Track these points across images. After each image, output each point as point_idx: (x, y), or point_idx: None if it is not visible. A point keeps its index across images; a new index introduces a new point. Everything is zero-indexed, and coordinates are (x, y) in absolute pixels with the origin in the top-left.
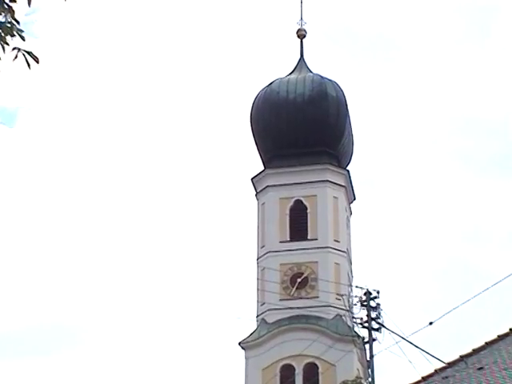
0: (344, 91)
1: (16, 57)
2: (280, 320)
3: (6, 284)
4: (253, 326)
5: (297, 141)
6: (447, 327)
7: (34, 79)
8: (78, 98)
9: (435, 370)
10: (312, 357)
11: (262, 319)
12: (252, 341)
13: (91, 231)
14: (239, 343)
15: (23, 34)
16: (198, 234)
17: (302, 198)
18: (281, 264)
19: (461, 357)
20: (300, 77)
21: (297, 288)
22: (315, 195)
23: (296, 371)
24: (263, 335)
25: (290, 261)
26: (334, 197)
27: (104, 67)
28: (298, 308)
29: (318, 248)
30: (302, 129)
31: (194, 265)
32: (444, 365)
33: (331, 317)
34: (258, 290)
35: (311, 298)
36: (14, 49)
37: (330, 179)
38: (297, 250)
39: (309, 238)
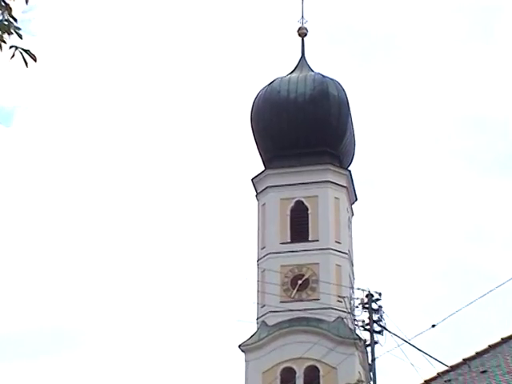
0: (346, 90)
1: (13, 55)
2: (280, 322)
3: (6, 286)
4: (253, 328)
5: (298, 141)
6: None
7: (31, 78)
8: (75, 96)
9: (438, 374)
10: (313, 360)
11: (263, 321)
12: (252, 343)
13: (90, 233)
14: (239, 346)
15: (20, 32)
16: (198, 235)
17: (302, 199)
18: (281, 265)
19: (464, 360)
20: (301, 76)
21: (297, 290)
22: (316, 196)
23: (297, 374)
24: (263, 338)
25: (290, 262)
26: (336, 197)
27: (102, 66)
28: (298, 310)
29: (319, 249)
30: (303, 128)
31: (194, 266)
32: (447, 368)
33: (332, 319)
34: (258, 291)
35: (312, 300)
36: (11, 47)
37: (331, 180)
38: (298, 251)
39: (310, 239)
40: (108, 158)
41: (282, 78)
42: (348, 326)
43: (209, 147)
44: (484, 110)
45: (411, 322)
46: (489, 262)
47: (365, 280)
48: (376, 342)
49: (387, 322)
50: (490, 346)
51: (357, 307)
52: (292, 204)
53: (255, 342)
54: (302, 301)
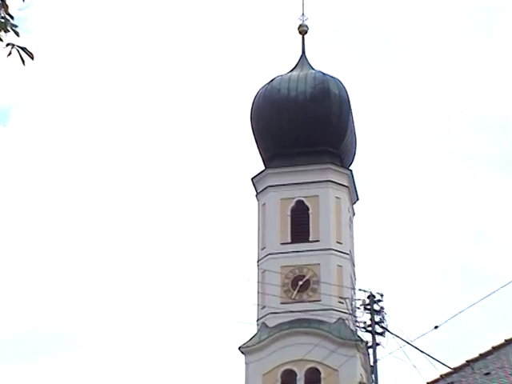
0: (347, 88)
1: (10, 53)
2: (281, 324)
3: (4, 288)
4: (253, 330)
5: (298, 140)
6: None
7: (28, 76)
8: (73, 95)
9: (441, 376)
10: (314, 362)
11: (263, 323)
12: (252, 345)
13: (89, 233)
14: (239, 348)
15: (17, 30)
16: (197, 235)
17: (303, 199)
18: (282, 266)
19: (467, 362)
20: (301, 74)
21: (298, 291)
22: (317, 196)
23: (297, 376)
24: (264, 339)
25: (291, 263)
26: (337, 197)
27: (100, 64)
28: (299, 312)
29: (320, 250)
30: (303, 127)
31: (193, 267)
32: (450, 370)
33: (333, 321)
34: (258, 293)
35: (313, 301)
36: (7, 45)
37: (332, 179)
38: (298, 251)
39: (310, 239)
40: (106, 157)
41: (282, 76)
42: (349, 327)
43: (208, 146)
44: (486, 108)
45: (413, 323)
46: (492, 262)
47: (366, 281)
48: (378, 344)
49: (389, 323)
50: (493, 348)
51: (358, 308)
52: (292, 204)
53: (255, 344)
54: (302, 302)
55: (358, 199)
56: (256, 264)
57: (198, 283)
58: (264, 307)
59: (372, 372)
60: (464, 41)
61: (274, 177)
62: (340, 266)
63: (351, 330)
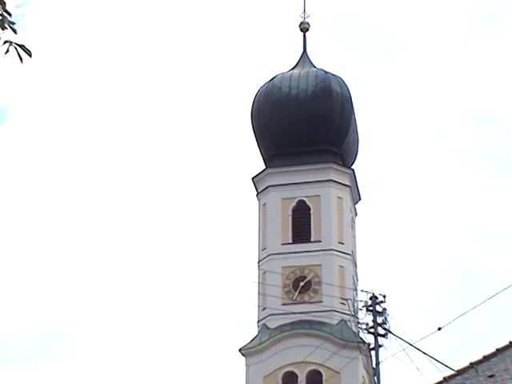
0: (349, 87)
1: (8, 50)
2: (282, 325)
3: (3, 289)
4: (254, 331)
5: (299, 139)
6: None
7: (25, 74)
8: (70, 93)
9: (444, 378)
10: (315, 364)
11: (264, 325)
12: (253, 347)
13: (87, 234)
14: (239, 350)
15: (15, 27)
16: (197, 235)
17: (304, 199)
18: (283, 267)
19: (471, 364)
20: (303, 72)
21: (299, 292)
22: (319, 195)
23: (299, 379)
24: (264, 341)
25: (292, 264)
26: (339, 197)
27: (98, 62)
28: (300, 313)
29: (321, 250)
30: (304, 126)
31: (193, 268)
32: (453, 372)
33: (335, 322)
34: (259, 294)
35: (314, 302)
36: (5, 42)
37: (334, 179)
38: (299, 252)
39: (312, 239)
40: (105, 157)
41: (283, 74)
42: (351, 329)
43: (208, 145)
44: (489, 106)
45: (416, 324)
46: (496, 263)
47: (369, 282)
48: (380, 346)
49: (392, 324)
50: (497, 350)
51: (360, 310)
52: (294, 204)
53: (256, 346)
54: (304, 303)
55: (360, 199)
56: (257, 265)
57: (197, 284)
58: (265, 308)
59: (374, 374)
60: (467, 39)
61: (275, 176)
62: (342, 266)
63: (353, 332)
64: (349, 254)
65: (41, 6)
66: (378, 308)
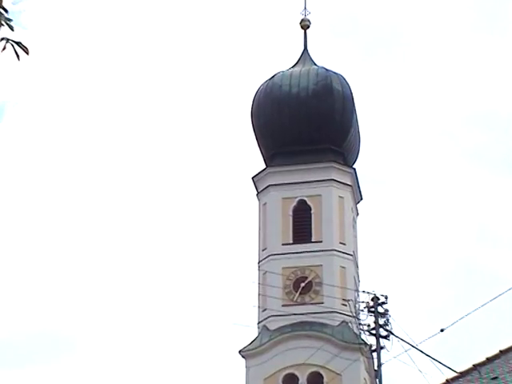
0: (350, 85)
1: (4, 48)
2: (282, 327)
3: (3, 291)
4: (254, 333)
5: (300, 137)
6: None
7: (22, 72)
8: (68, 91)
9: (447, 380)
10: (316, 366)
11: (264, 326)
12: (253, 349)
13: (86, 234)
14: (239, 351)
15: (11, 24)
16: (197, 236)
17: (305, 198)
18: (283, 268)
19: (474, 366)
20: (304, 70)
21: (300, 293)
22: (320, 195)
23: (300, 381)
24: (265, 343)
25: (293, 264)
26: (340, 196)
27: (96, 59)
28: (301, 314)
29: (322, 251)
30: (305, 125)
31: (192, 269)
32: (456, 374)
33: (337, 323)
34: (259, 295)
35: (315, 303)
36: (2, 39)
37: (335, 178)
38: (300, 252)
39: (313, 240)
40: (103, 156)
41: (283, 71)
42: (353, 330)
43: (208, 144)
44: (492, 106)
45: (419, 326)
46: (499, 264)
47: (370, 282)
48: (382, 347)
49: (394, 326)
50: (501, 352)
51: (362, 311)
52: (294, 203)
53: (256, 348)
54: (304, 304)
55: (361, 198)
56: (257, 265)
57: (197, 285)
58: (265, 310)
59: (376, 376)
60: (469, 37)
61: (276, 176)
62: (343, 267)
63: (355, 333)
64: (350, 255)
65: (38, 2)
66: (380, 309)
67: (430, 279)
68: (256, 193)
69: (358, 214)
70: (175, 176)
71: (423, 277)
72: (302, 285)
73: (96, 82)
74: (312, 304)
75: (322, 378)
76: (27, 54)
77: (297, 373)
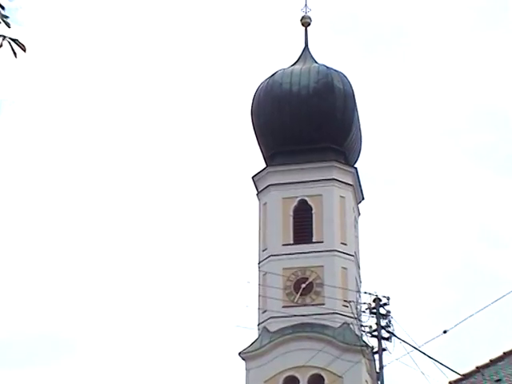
0: (351, 83)
1: (1, 45)
2: (283, 328)
3: (3, 292)
4: (254, 334)
5: (301, 136)
6: (462, 336)
7: (18, 70)
8: (65, 90)
9: (450, 382)
10: (317, 368)
11: (264, 328)
12: (253, 351)
13: (85, 235)
14: (239, 353)
15: (8, 21)
16: (196, 236)
17: (306, 198)
18: (284, 268)
19: (477, 368)
20: (304, 67)
21: (301, 294)
22: (321, 195)
23: (300, 383)
24: (265, 345)
25: (293, 265)
26: (341, 196)
27: (94, 57)
28: (302, 316)
29: (323, 251)
30: (306, 123)
31: (192, 269)
32: (459, 376)
33: (338, 325)
34: (259, 296)
35: (316, 304)
36: None
37: (336, 177)
38: (301, 253)
39: (314, 240)
40: (102, 155)
41: (284, 69)
42: (354, 332)
43: (207, 143)
44: (495, 104)
45: (421, 327)
46: (502, 265)
47: (372, 283)
48: (384, 349)
49: (396, 327)
50: (504, 354)
51: (364, 312)
52: (295, 203)
53: (256, 350)
54: (305, 306)
55: (363, 198)
56: (257, 266)
57: (197, 286)
58: (265, 311)
59: (378, 378)
60: (471, 35)
61: (276, 175)
62: (344, 268)
63: (356, 335)
64: (351, 255)
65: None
66: (382, 310)
67: (432, 280)
68: (256, 192)
69: (359, 213)
70: (175, 176)
71: (426, 278)
72: (303, 286)
73: (94, 79)
74: (313, 305)
75: (323, 380)
76: (24, 51)
77: (297, 375)
